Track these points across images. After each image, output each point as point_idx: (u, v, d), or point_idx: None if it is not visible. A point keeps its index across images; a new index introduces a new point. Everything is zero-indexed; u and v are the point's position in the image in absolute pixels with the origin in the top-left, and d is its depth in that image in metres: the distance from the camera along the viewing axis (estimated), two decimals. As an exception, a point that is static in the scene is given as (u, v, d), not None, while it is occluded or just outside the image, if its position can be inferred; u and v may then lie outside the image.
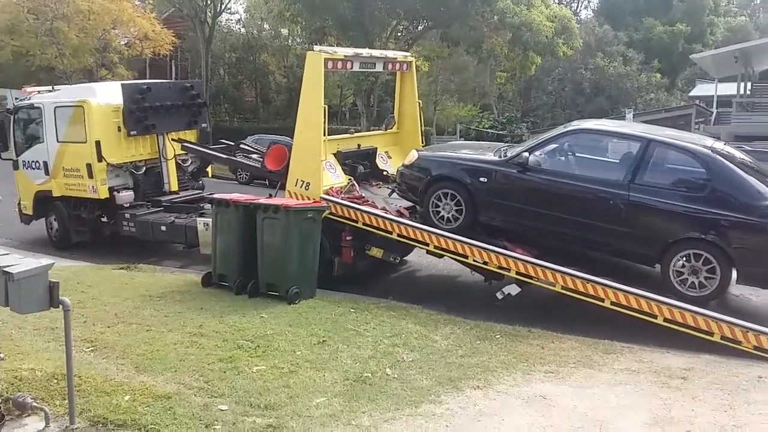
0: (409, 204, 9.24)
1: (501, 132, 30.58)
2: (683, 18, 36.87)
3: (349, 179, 9.60)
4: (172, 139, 11.97)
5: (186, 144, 12.02)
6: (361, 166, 10.18)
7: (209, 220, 9.63)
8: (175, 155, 12.10)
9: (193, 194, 12.50)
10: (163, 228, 11.14)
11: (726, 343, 6.69)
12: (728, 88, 28.34)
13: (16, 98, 16.08)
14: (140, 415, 4.62)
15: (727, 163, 7.20)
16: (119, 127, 11.37)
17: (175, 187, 12.26)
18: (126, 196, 11.59)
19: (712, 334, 6.77)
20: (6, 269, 4.12)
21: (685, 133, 10.02)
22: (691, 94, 32.87)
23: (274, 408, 4.88)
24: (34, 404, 4.57)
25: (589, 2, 51.44)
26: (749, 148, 9.77)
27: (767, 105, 25.89)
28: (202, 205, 11.73)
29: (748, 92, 27.66)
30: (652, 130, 8.34)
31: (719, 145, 7.76)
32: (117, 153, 11.44)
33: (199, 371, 5.53)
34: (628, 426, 4.79)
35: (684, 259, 7.17)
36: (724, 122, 26.55)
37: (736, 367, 6.16)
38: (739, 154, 7.72)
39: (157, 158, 12.01)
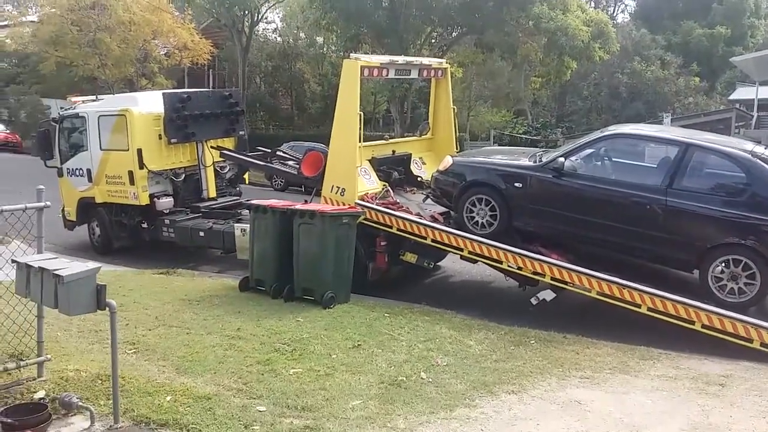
0: (444, 210, 9.29)
1: (535, 137, 30.31)
2: (723, 21, 36.10)
3: (384, 185, 9.68)
4: (211, 147, 12.22)
5: (224, 151, 12.26)
6: (395, 172, 10.25)
7: (246, 226, 9.80)
8: (213, 162, 12.34)
9: (230, 200, 12.73)
10: (202, 233, 11.37)
11: (765, 349, 6.59)
12: (770, 92, 27.70)
13: (61, 108, 16.51)
14: (181, 415, 4.73)
15: (767, 167, 7.09)
16: (160, 135, 11.64)
17: (213, 193, 12.50)
18: (166, 203, 11.86)
19: (751, 340, 6.67)
20: (56, 272, 4.28)
21: (724, 137, 9.88)
22: (731, 97, 32.13)
23: (310, 410, 4.96)
24: (80, 404, 4.69)
25: (626, 6, 50.98)
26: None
27: (811, 108, 25.29)
28: (239, 211, 11.94)
29: (791, 95, 27.01)
30: (691, 135, 8.25)
31: (759, 149, 7.64)
32: (158, 160, 11.71)
33: (237, 373, 5.65)
34: (665, 432, 4.76)
35: (723, 264, 7.09)
36: (765, 126, 25.96)
37: (776, 375, 6.07)
38: (780, 159, 7.59)
39: (196, 165, 12.26)
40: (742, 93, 31.35)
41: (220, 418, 4.74)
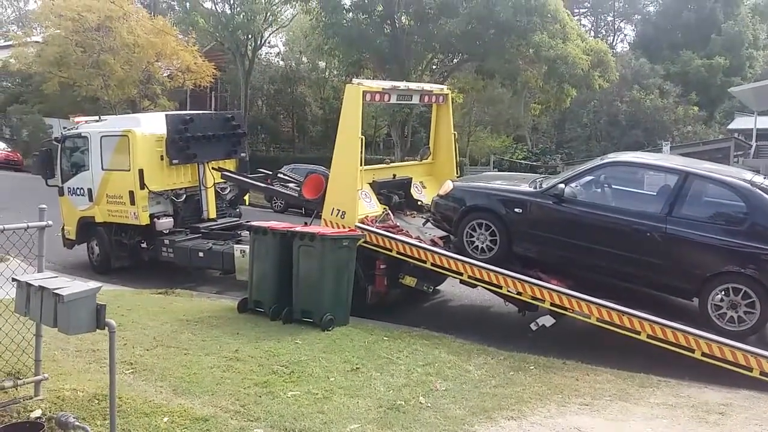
0: (444, 234, 9.30)
1: (535, 163, 30.47)
2: (721, 51, 36.43)
3: (384, 208, 9.71)
4: (212, 168, 12.27)
5: (226, 173, 12.31)
6: (396, 195, 10.29)
7: (246, 247, 9.81)
8: (214, 183, 12.39)
9: (230, 221, 12.76)
10: (201, 254, 11.38)
11: (765, 378, 6.56)
12: (768, 122, 27.93)
13: (63, 127, 16.61)
14: (178, 437, 4.71)
15: (766, 196, 7.13)
16: (162, 156, 11.70)
17: (213, 214, 12.54)
18: (166, 223, 11.89)
19: (751, 369, 6.65)
20: (56, 291, 4.28)
21: (723, 166, 9.93)
22: (729, 126, 32.33)
23: (308, 433, 4.92)
24: (77, 423, 4.66)
25: (625, 36, 51.41)
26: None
27: (809, 138, 25.46)
28: (239, 232, 11.95)
29: (790, 125, 27.21)
30: (690, 163, 8.30)
31: (758, 179, 7.68)
32: (159, 181, 11.77)
33: (235, 395, 5.62)
34: (665, 461, 4.72)
35: (723, 293, 7.08)
36: (763, 155, 26.09)
37: (776, 404, 6.03)
38: (778, 188, 7.63)
39: (197, 186, 12.31)
40: (740, 122, 31.56)
41: (218, 440, 4.71)
